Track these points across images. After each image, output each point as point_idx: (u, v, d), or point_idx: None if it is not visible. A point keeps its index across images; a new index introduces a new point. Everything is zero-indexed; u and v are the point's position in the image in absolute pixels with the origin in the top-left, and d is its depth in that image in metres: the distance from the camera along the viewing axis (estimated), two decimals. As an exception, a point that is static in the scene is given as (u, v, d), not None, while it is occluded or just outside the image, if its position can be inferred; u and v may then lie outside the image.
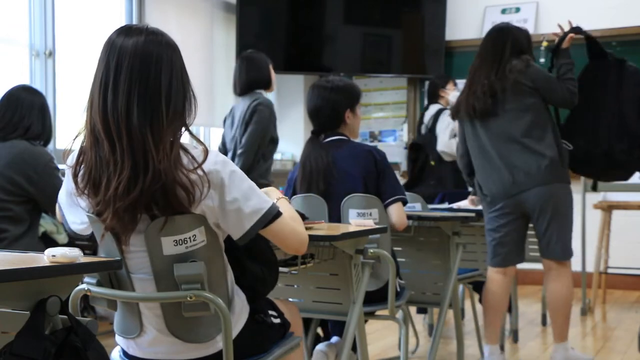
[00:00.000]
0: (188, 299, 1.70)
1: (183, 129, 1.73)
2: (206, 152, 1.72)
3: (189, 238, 1.71)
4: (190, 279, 1.71)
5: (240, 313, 1.88)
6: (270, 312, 2.01)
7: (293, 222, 1.88)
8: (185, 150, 1.71)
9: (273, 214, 1.78)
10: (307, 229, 2.01)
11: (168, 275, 1.73)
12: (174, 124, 1.69)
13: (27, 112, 3.17)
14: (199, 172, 1.68)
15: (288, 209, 1.95)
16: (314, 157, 2.95)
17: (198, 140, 1.76)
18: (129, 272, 1.78)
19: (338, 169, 2.92)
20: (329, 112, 3.00)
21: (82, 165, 1.72)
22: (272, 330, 2.00)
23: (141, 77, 1.66)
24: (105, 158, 1.67)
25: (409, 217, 3.01)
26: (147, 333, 1.82)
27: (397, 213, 2.90)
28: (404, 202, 2.96)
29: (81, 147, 1.74)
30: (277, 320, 2.02)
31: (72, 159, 1.75)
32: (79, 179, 1.71)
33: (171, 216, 1.68)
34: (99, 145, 1.68)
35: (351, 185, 2.88)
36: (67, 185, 1.81)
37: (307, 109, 3.07)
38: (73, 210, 1.81)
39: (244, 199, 1.74)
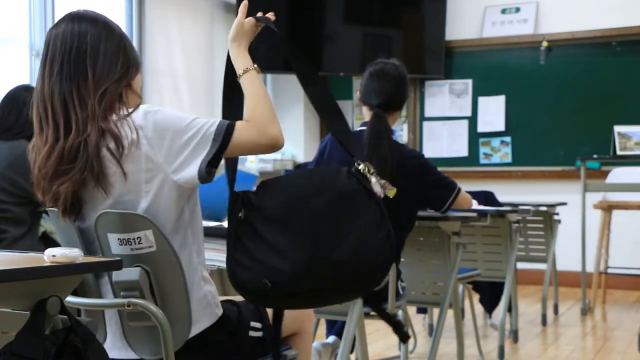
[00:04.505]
0: (126, 307, 1.61)
1: (122, 86, 1.70)
2: (139, 103, 1.71)
3: (134, 240, 1.63)
4: (126, 286, 1.61)
5: (203, 310, 1.71)
6: (253, 324, 1.82)
7: (253, 120, 1.69)
8: (121, 105, 1.68)
9: (224, 131, 1.63)
10: None
11: None
12: (105, 83, 1.67)
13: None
14: (130, 122, 1.63)
15: (256, 84, 1.79)
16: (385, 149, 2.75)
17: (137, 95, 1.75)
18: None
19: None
20: (402, 97, 2.91)
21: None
22: (244, 345, 1.80)
23: (64, 53, 1.68)
24: (37, 146, 1.69)
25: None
26: (108, 338, 1.76)
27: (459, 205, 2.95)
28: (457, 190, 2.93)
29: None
30: (257, 334, 1.82)
31: None
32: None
33: (119, 201, 1.64)
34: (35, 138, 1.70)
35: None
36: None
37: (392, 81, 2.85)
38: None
39: (189, 133, 1.63)
